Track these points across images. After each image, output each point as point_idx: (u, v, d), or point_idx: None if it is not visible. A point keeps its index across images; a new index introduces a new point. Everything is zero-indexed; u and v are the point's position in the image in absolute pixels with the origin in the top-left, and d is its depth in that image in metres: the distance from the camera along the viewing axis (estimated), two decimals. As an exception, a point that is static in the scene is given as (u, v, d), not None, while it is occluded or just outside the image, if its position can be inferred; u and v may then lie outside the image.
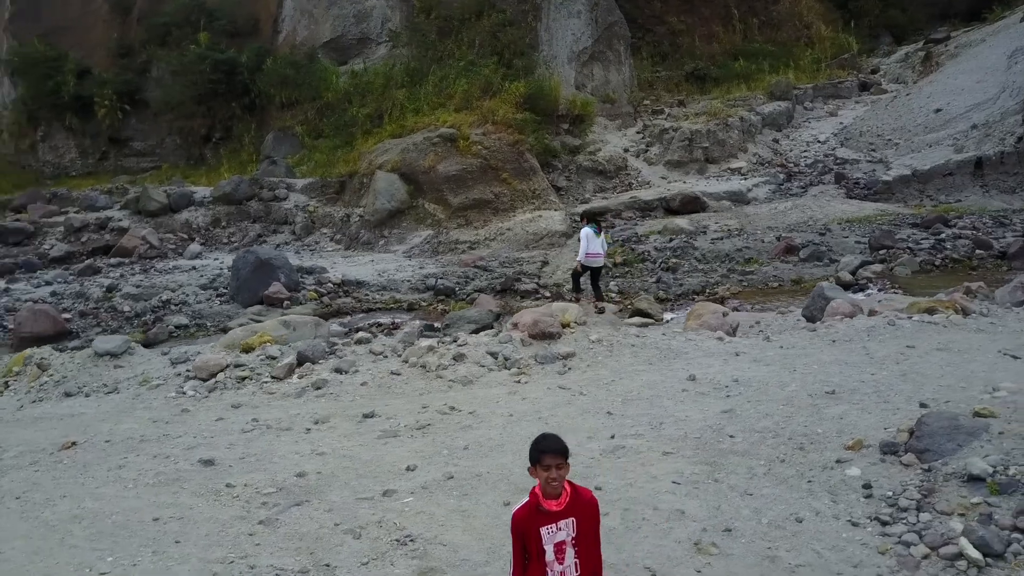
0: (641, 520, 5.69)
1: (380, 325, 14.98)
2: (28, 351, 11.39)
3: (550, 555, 3.44)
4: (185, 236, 23.56)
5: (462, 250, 21.30)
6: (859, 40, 34.59)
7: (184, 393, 9.66)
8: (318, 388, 9.34)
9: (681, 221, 21.19)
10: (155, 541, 5.94)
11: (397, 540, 5.72)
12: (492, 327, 12.26)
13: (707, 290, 16.07)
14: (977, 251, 16.64)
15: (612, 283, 16.80)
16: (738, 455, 6.59)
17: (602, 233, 13.00)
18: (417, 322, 14.55)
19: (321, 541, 5.80)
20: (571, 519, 3.48)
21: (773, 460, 6.42)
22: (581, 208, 23.19)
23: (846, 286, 15.09)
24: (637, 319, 12.64)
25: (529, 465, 3.48)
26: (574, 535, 3.48)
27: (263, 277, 17.06)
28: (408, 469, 6.93)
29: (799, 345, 9.63)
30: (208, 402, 9.37)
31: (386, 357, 10.14)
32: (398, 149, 23.59)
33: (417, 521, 5.98)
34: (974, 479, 5.50)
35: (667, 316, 13.37)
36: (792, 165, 25.81)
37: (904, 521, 5.31)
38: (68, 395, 10.12)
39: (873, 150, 25.17)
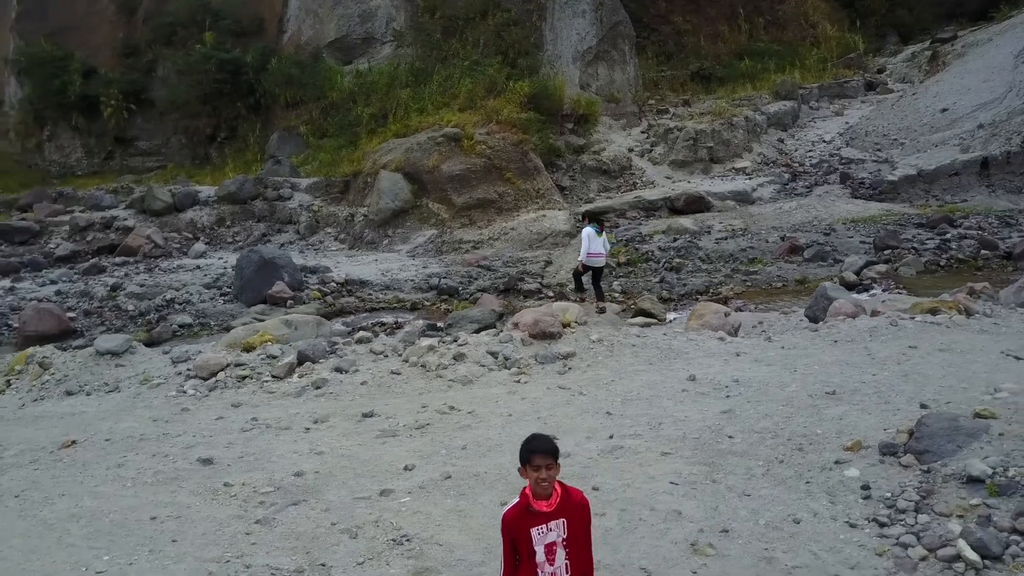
0: (638, 521, 5.66)
1: (383, 324, 14.96)
2: (30, 350, 11.42)
3: (540, 556, 3.43)
4: (190, 235, 23.61)
5: (466, 250, 21.29)
6: (865, 40, 34.46)
7: (185, 392, 9.67)
8: (318, 387, 9.33)
9: (685, 221, 21.15)
10: (152, 540, 5.93)
11: (393, 540, 5.71)
12: (495, 327, 12.23)
13: (711, 290, 16.03)
14: (982, 251, 16.56)
15: (615, 283, 16.77)
16: (737, 456, 6.56)
17: (604, 233, 12.96)
18: (420, 322, 14.55)
19: (317, 541, 5.80)
20: (562, 520, 3.46)
21: (772, 461, 6.39)
22: (585, 207, 23.22)
23: (850, 286, 15.03)
24: (640, 319, 12.61)
25: (519, 465, 3.46)
26: (565, 536, 3.46)
27: (267, 276, 17.09)
28: (406, 469, 6.92)
29: (800, 345, 9.59)
30: (208, 401, 9.38)
31: (387, 356, 10.13)
32: (402, 149, 23.60)
33: (414, 521, 5.97)
34: (973, 480, 5.47)
35: (670, 316, 13.33)
36: (797, 165, 25.73)
37: (902, 523, 5.28)
38: (69, 394, 10.14)
39: (879, 150, 25.07)
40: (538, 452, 3.37)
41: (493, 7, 27.33)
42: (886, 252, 17.04)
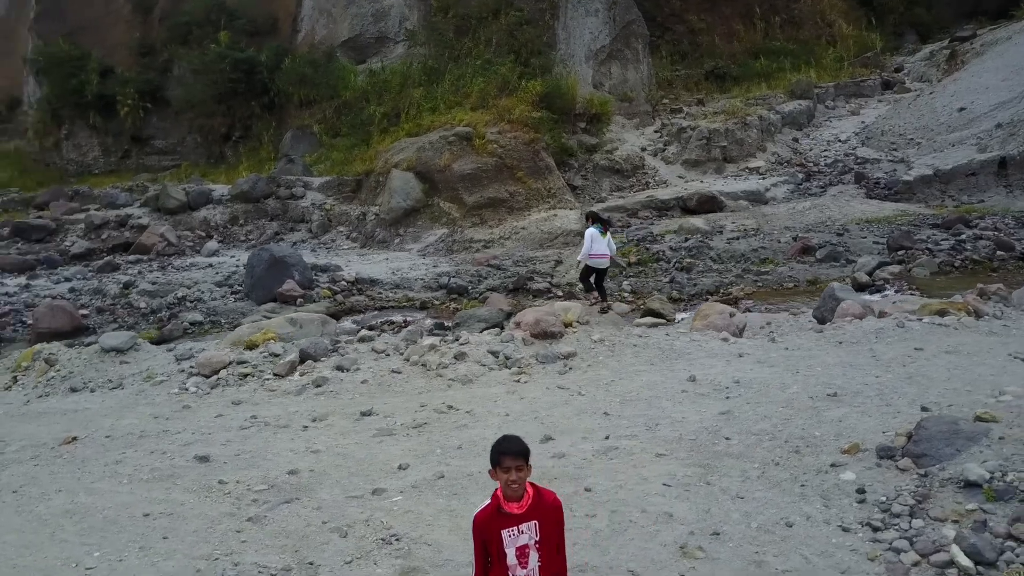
0: (628, 522, 5.61)
1: (392, 323, 14.99)
2: (37, 346, 11.52)
3: (512, 558, 3.38)
4: (203, 234, 23.75)
5: (476, 249, 21.26)
6: (883, 38, 34.11)
7: (187, 389, 9.71)
8: (318, 386, 9.33)
9: (697, 221, 21.02)
10: (143, 537, 5.95)
11: (383, 539, 5.69)
12: (502, 326, 12.18)
13: (721, 290, 15.91)
14: (998, 252, 16.33)
15: (625, 283, 16.70)
16: (733, 457, 6.49)
17: (608, 233, 12.82)
18: (428, 320, 14.56)
19: (307, 539, 5.79)
20: (534, 522, 3.41)
21: (767, 463, 6.31)
22: (596, 207, 23.12)
23: (863, 287, 14.88)
24: (649, 319, 12.53)
25: (490, 467, 3.42)
26: (537, 538, 3.42)
27: (277, 275, 17.15)
28: (400, 468, 6.90)
29: (804, 347, 9.48)
30: (210, 399, 9.41)
31: (388, 355, 10.12)
32: (414, 148, 23.61)
33: (404, 520, 5.95)
34: (970, 485, 5.36)
35: (679, 316, 13.23)
36: (811, 165, 25.51)
37: (896, 527, 5.19)
38: (74, 390, 10.21)
39: (895, 149, 24.80)
40: (508, 454, 3.33)
41: (506, 6, 27.29)
42: (900, 253, 16.84)
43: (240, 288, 17.74)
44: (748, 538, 5.32)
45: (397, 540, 5.66)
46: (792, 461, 6.29)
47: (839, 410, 7.11)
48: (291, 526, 5.99)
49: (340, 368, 9.71)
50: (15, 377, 10.87)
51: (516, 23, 26.96)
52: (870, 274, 15.52)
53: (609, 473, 6.38)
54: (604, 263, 12.93)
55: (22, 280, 19.41)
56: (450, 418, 8.08)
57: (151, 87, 31.81)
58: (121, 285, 18.22)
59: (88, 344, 11.71)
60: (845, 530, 5.28)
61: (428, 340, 10.26)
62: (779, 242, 18.60)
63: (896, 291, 14.70)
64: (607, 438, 7.11)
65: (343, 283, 17.93)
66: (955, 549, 4.79)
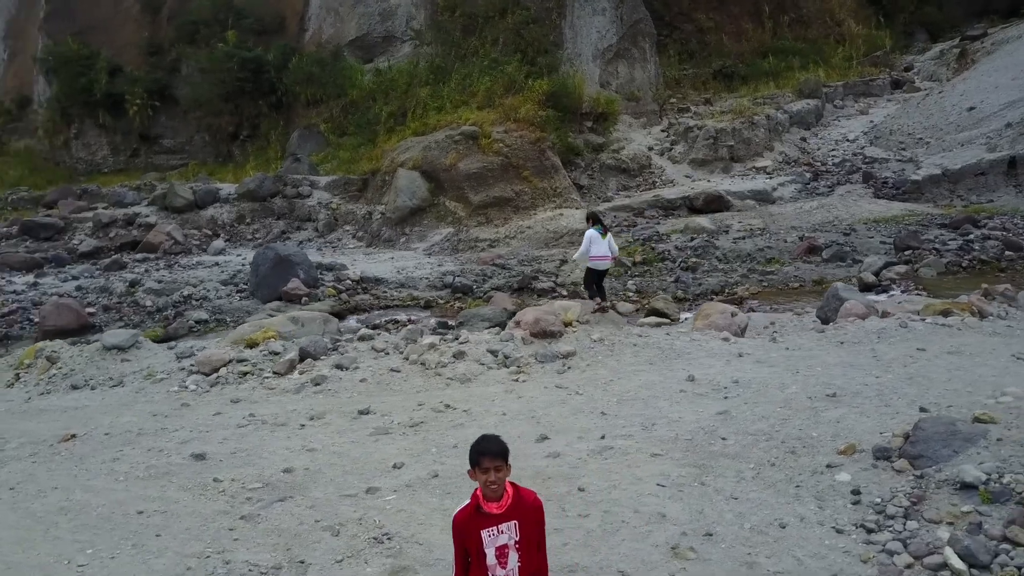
0: (620, 523, 5.57)
1: (396, 322, 14.99)
2: (39, 344, 11.57)
3: (491, 558, 3.35)
4: (210, 232, 23.84)
5: (482, 248, 21.25)
6: (893, 37, 33.90)
7: (186, 388, 9.72)
8: (317, 384, 9.33)
9: (703, 220, 20.92)
10: (136, 534, 5.95)
11: (374, 538, 5.67)
12: (505, 325, 12.15)
13: (726, 290, 15.85)
14: (1007, 252, 16.20)
15: (630, 282, 16.66)
16: (728, 458, 6.44)
17: (608, 235, 12.68)
18: (432, 319, 14.55)
19: (299, 538, 5.77)
20: (514, 522, 3.38)
21: (763, 464, 6.26)
22: (603, 206, 23.07)
23: (869, 287, 14.79)
24: (653, 319, 12.47)
25: (469, 467, 3.40)
26: (517, 538, 3.38)
27: (282, 273, 17.20)
28: (395, 467, 6.88)
29: (805, 347, 9.41)
30: (209, 397, 9.42)
31: (387, 354, 10.10)
32: (420, 147, 23.61)
33: (397, 519, 5.93)
34: (967, 487, 5.30)
35: (684, 316, 13.17)
36: (819, 164, 25.36)
37: (890, 529, 5.14)
38: (75, 388, 10.25)
39: (903, 149, 24.63)
40: (486, 454, 3.30)
41: (512, 5, 27.25)
42: (906, 253, 16.72)
43: (245, 287, 17.78)
44: (741, 539, 5.27)
45: (389, 539, 5.64)
46: (788, 462, 6.23)
47: (837, 410, 7.05)
48: (284, 524, 5.98)
49: (339, 367, 9.70)
50: (17, 375, 10.92)
51: (523, 22, 26.93)
52: (876, 274, 15.44)
53: (603, 473, 6.34)
54: (605, 265, 12.84)
55: (30, 278, 19.51)
56: (447, 417, 8.06)
57: (159, 86, 31.98)
58: (127, 283, 18.29)
59: (90, 342, 11.74)
60: (839, 531, 5.23)
61: (428, 339, 10.24)
62: (785, 242, 18.49)
63: (902, 291, 14.60)
64: (603, 438, 7.07)
65: (348, 282, 17.96)
66: (949, 551, 4.73)
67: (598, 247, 12.17)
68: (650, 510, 5.70)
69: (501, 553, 3.36)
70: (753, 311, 13.68)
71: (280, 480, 6.77)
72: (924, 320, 9.81)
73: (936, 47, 33.29)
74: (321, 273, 18.23)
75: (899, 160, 23.98)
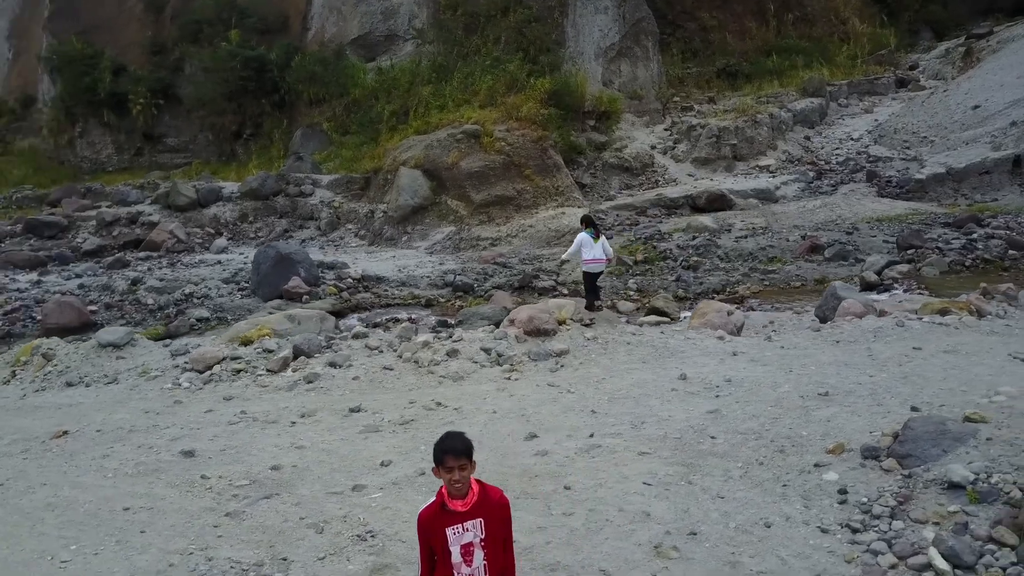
0: (604, 521, 5.53)
1: (397, 320, 14.96)
2: (36, 341, 11.58)
3: (456, 556, 3.32)
4: (213, 231, 23.86)
5: (483, 247, 21.22)
6: (898, 36, 33.70)
7: (179, 385, 9.72)
8: (310, 382, 9.32)
9: (705, 219, 20.83)
10: (121, 531, 5.95)
11: (358, 536, 5.66)
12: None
13: (727, 289, 15.78)
14: (1010, 251, 16.09)
15: (631, 281, 16.62)
16: (716, 457, 6.39)
17: (601, 238, 12.51)
18: (432, 318, 14.53)
19: (283, 535, 5.76)
20: (479, 520, 3.34)
21: (751, 463, 6.21)
22: (605, 205, 23.01)
23: (871, 286, 14.71)
24: (653, 317, 12.41)
25: (433, 466, 3.36)
26: (482, 536, 3.35)
27: (283, 271, 17.21)
28: (382, 464, 6.86)
29: (800, 345, 9.35)
30: (202, 394, 9.42)
31: (381, 352, 10.08)
32: (422, 145, 23.59)
33: (381, 517, 5.91)
34: (954, 486, 5.25)
35: (684, 315, 13.11)
36: (823, 163, 25.23)
37: (875, 529, 5.09)
38: (69, 385, 10.26)
39: (907, 148, 24.48)
40: (450, 452, 3.26)
41: (514, 4, 27.18)
42: (909, 252, 16.63)
43: (247, 285, 17.80)
44: (725, 538, 5.23)
45: (372, 536, 5.62)
46: (776, 461, 6.19)
47: (829, 409, 7.00)
48: (268, 521, 5.97)
49: (333, 364, 9.68)
50: (13, 371, 10.94)
51: (525, 20, 26.87)
52: (879, 273, 15.33)
53: (590, 471, 6.31)
54: (599, 268, 12.71)
55: (34, 276, 19.56)
56: (437, 415, 8.03)
57: (163, 85, 32.02)
58: (129, 282, 18.32)
59: (86, 339, 11.76)
60: (824, 531, 5.18)
61: (422, 337, 10.21)
62: (787, 241, 18.42)
63: (905, 290, 14.51)
64: (591, 436, 7.03)
65: (349, 280, 17.95)
66: (933, 552, 4.68)
67: (591, 250, 11.99)
68: (635, 509, 5.67)
69: (466, 551, 3.33)
70: (753, 310, 13.62)
71: (267, 477, 6.76)
72: (921, 319, 9.75)
73: (941, 45, 33.09)
74: (322, 271, 18.24)
75: (903, 159, 23.84)
